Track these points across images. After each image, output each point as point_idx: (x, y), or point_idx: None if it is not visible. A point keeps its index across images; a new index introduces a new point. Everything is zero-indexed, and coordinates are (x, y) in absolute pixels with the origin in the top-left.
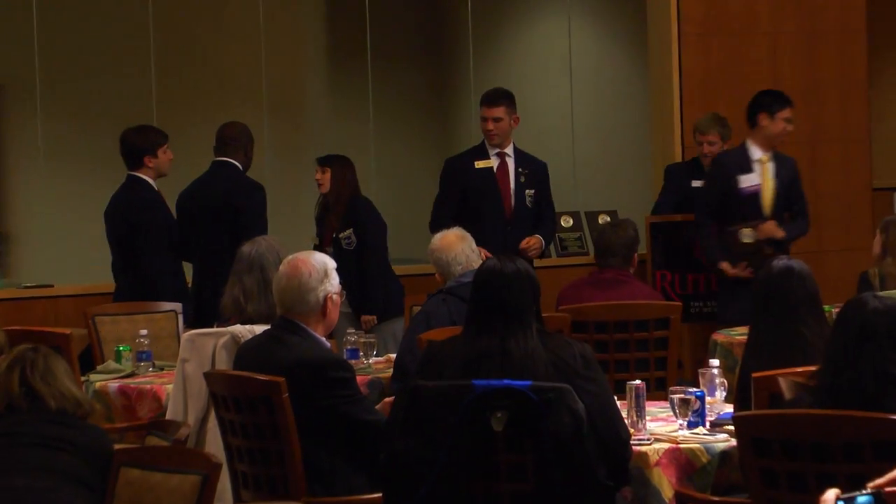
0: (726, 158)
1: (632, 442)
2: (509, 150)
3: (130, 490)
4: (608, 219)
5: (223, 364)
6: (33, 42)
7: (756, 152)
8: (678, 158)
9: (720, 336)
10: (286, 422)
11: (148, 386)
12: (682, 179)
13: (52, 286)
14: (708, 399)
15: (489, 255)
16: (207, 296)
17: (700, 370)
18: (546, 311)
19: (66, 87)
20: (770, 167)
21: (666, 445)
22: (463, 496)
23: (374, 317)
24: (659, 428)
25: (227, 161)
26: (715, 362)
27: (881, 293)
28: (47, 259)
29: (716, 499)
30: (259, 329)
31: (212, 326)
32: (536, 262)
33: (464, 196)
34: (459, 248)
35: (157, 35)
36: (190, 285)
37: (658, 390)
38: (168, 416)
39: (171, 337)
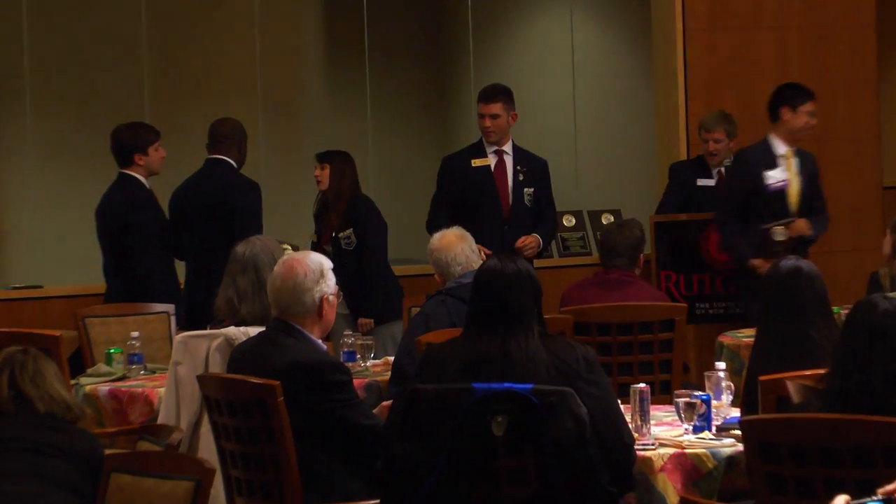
0: (750, 154)
1: (636, 447)
2: (507, 147)
3: (121, 496)
4: (611, 218)
5: (217, 367)
6: (23, 36)
7: (780, 147)
8: (683, 156)
9: (726, 338)
10: (281, 426)
11: (139, 389)
12: (688, 178)
13: (41, 287)
14: (714, 403)
15: (490, 254)
16: (200, 297)
17: (706, 373)
18: (548, 312)
19: (58, 82)
20: (794, 162)
21: (671, 450)
22: (463, 502)
23: (372, 320)
24: (664, 432)
25: (220, 159)
26: (721, 365)
27: (891, 294)
28: (36, 259)
29: None
30: (253, 331)
31: (205, 328)
32: (538, 263)
33: (461, 195)
34: (459, 247)
35: (149, 29)
36: (182, 286)
37: (663, 394)
38: (160, 421)
39: (164, 339)
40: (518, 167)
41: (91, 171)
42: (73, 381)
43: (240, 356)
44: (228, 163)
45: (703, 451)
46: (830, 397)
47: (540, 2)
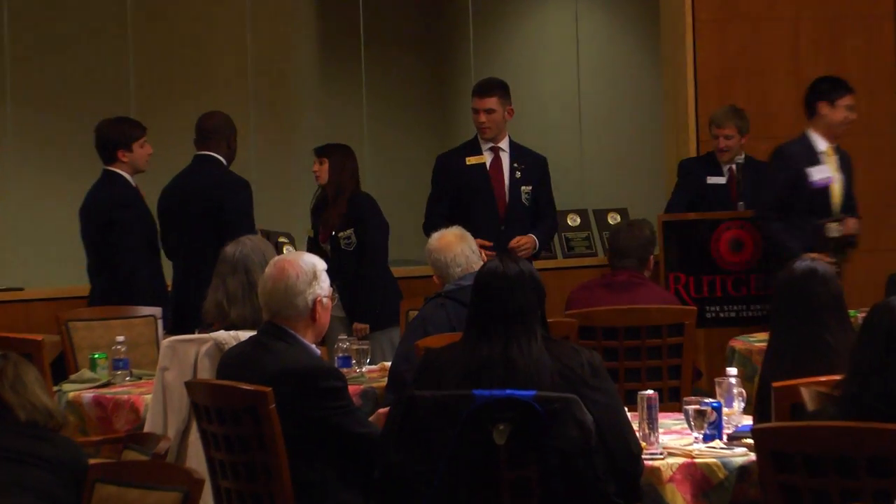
0: (792, 149)
1: (643, 456)
2: (504, 143)
3: None
4: (618, 217)
5: (206, 373)
6: (3, 29)
7: (820, 143)
8: (693, 153)
9: (738, 343)
10: (273, 434)
11: (125, 396)
12: (697, 175)
13: (22, 289)
14: (725, 410)
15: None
16: (189, 300)
17: (717, 379)
18: (553, 315)
19: (40, 76)
20: (835, 159)
21: (680, 460)
22: None
23: (367, 326)
24: (672, 441)
25: (208, 155)
26: (732, 371)
27: None
28: (17, 260)
29: None
30: (244, 335)
31: (193, 332)
32: (541, 264)
33: (456, 194)
34: (459, 248)
35: (135, 18)
36: (170, 288)
37: (672, 401)
38: (146, 429)
39: (150, 344)
40: (515, 164)
41: (75, 168)
42: (55, 388)
43: (230, 361)
44: (217, 159)
45: (714, 460)
46: (846, 404)
47: None
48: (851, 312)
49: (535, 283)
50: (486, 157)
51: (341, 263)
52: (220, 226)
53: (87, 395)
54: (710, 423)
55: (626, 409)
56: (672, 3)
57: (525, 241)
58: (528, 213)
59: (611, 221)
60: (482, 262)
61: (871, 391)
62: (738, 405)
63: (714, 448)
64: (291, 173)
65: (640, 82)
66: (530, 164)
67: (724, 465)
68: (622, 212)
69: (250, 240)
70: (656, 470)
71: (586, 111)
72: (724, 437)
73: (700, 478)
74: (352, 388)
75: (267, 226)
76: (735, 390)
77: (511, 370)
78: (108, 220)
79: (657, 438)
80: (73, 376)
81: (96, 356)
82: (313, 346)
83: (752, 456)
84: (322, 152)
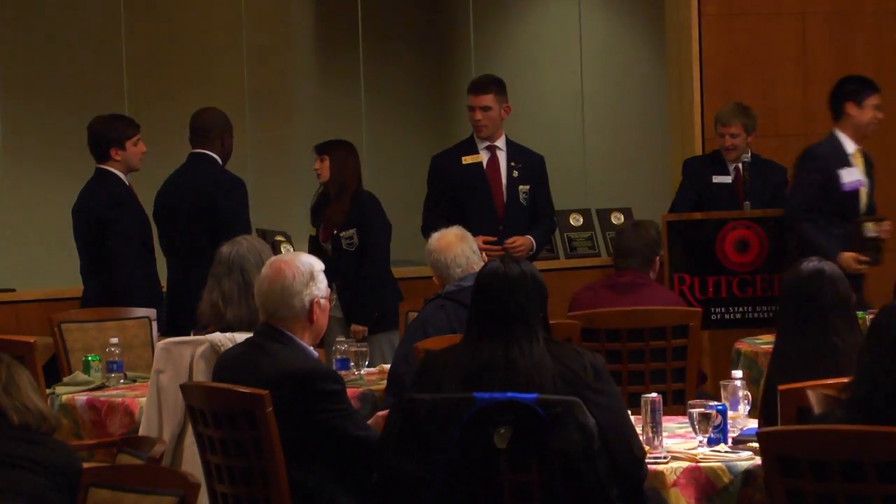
0: (822, 150)
1: (647, 460)
2: (500, 142)
3: None
4: (621, 217)
5: (201, 375)
6: None
7: (849, 145)
8: (698, 151)
9: (744, 345)
10: (270, 438)
11: (119, 399)
12: (703, 175)
13: (13, 290)
14: (730, 413)
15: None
16: (184, 301)
17: (722, 382)
18: (555, 317)
19: (31, 72)
20: (862, 162)
21: (684, 464)
22: None
23: (366, 328)
24: (676, 445)
25: (202, 153)
26: (738, 373)
27: None
28: (8, 261)
29: None
30: (240, 337)
31: (188, 334)
32: (543, 265)
33: (452, 194)
34: (459, 248)
35: (129, 13)
36: (165, 289)
37: (675, 404)
38: (141, 432)
39: (145, 346)
40: (512, 163)
41: (67, 167)
42: (48, 391)
43: (226, 364)
44: (211, 157)
45: (719, 464)
46: (854, 407)
47: None
48: (859, 314)
49: (536, 284)
50: (483, 157)
51: (342, 263)
52: (214, 225)
53: (81, 397)
54: (715, 427)
55: (629, 412)
56: None
57: (520, 243)
58: (527, 212)
59: (614, 221)
60: (483, 263)
61: (880, 394)
62: (744, 408)
63: (719, 452)
64: (288, 170)
65: (644, 79)
66: (527, 162)
67: (729, 469)
68: (626, 211)
69: (246, 240)
70: (660, 474)
71: (589, 108)
72: (729, 441)
73: (704, 482)
74: (350, 391)
75: (264, 224)
76: (740, 393)
77: (512, 372)
78: (102, 220)
79: (661, 442)
80: (66, 379)
81: (90, 358)
82: (311, 348)
83: (758, 460)
84: (323, 149)
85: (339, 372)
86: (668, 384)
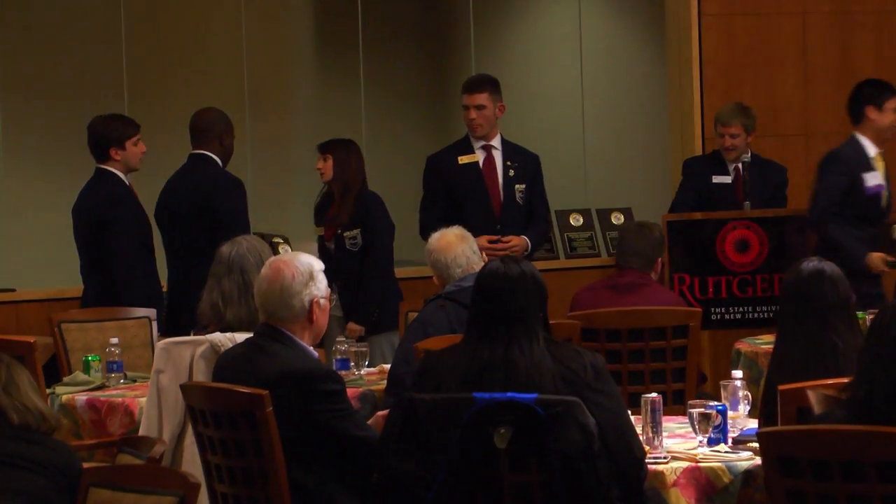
0: (847, 154)
1: (647, 460)
2: (496, 141)
3: None
4: (621, 217)
5: (201, 375)
6: None
7: (871, 149)
8: (698, 151)
9: (744, 345)
10: (270, 438)
11: (119, 399)
12: (703, 175)
13: (13, 290)
14: (730, 413)
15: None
16: (184, 301)
17: (722, 382)
18: (555, 317)
19: (30, 71)
20: (882, 165)
21: (684, 464)
22: None
23: (362, 329)
24: (677, 445)
25: (202, 154)
26: (738, 373)
27: None
28: (8, 261)
29: None
30: (240, 337)
31: (188, 334)
32: (543, 265)
33: (450, 195)
34: (459, 248)
35: (128, 17)
36: (165, 289)
37: (675, 404)
38: (141, 432)
39: (145, 346)
40: (508, 163)
41: (67, 167)
42: (48, 391)
43: (226, 364)
44: (210, 158)
45: (719, 464)
46: (854, 407)
47: None
48: (860, 315)
49: (537, 285)
50: (479, 156)
51: (345, 263)
52: (213, 226)
53: (81, 397)
54: (715, 427)
55: (629, 412)
56: None
57: (515, 242)
58: (523, 212)
59: (614, 221)
60: (483, 263)
61: (880, 394)
62: (744, 408)
63: (719, 452)
64: (289, 169)
65: (644, 79)
66: (523, 162)
67: (729, 469)
68: (626, 211)
69: (246, 240)
70: (660, 474)
71: (589, 108)
72: (729, 441)
73: (704, 482)
74: (350, 391)
75: (264, 222)
76: (740, 393)
77: (512, 373)
78: (102, 220)
79: (661, 442)
80: (66, 378)
81: (90, 358)
82: (311, 348)
83: (758, 460)
84: (325, 148)
85: (339, 372)
86: (668, 384)
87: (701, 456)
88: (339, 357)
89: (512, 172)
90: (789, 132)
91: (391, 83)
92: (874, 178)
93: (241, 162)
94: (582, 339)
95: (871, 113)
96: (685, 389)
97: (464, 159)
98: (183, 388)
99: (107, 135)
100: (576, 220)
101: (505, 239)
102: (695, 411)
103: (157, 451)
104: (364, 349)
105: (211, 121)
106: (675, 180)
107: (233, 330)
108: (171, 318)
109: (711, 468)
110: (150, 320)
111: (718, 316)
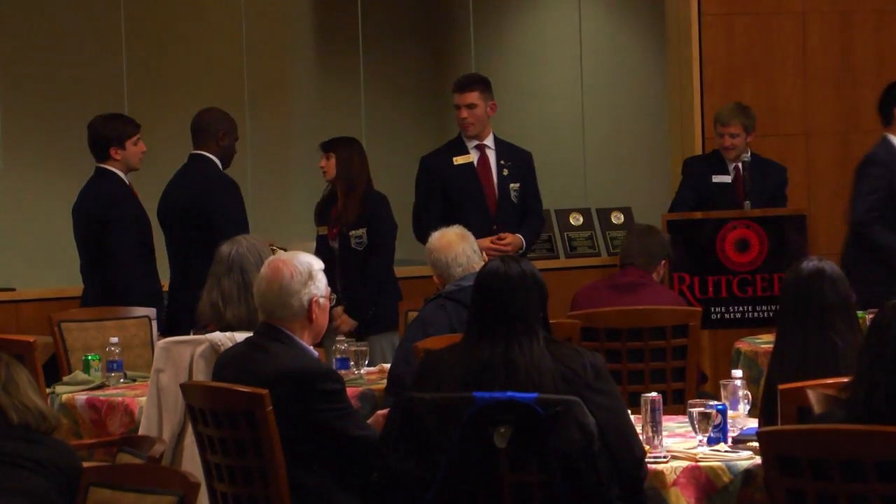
0: (883, 157)
1: (647, 460)
2: (489, 140)
3: None
4: (621, 216)
5: (201, 375)
6: None
7: None
8: (698, 151)
9: (744, 345)
10: (269, 438)
11: (119, 398)
12: (702, 174)
13: (13, 290)
14: (730, 413)
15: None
16: (184, 300)
17: (722, 382)
18: (555, 316)
19: (30, 71)
20: None
21: (684, 463)
22: None
23: (355, 323)
24: (676, 444)
25: (200, 154)
26: (738, 373)
27: None
28: (8, 260)
29: None
30: (240, 336)
31: (188, 333)
32: (543, 264)
33: (445, 195)
34: (460, 248)
35: (128, 16)
36: (166, 289)
37: (675, 403)
38: (141, 432)
39: (144, 345)
40: (502, 161)
41: (67, 166)
42: (48, 390)
43: (226, 363)
44: (207, 158)
45: (719, 464)
46: (854, 407)
47: None
48: (860, 314)
49: (537, 284)
50: (473, 156)
51: (348, 262)
52: (210, 226)
53: (81, 397)
54: (715, 426)
55: (629, 411)
56: None
57: (510, 240)
58: (518, 210)
59: (614, 221)
60: (483, 262)
61: (880, 393)
62: (744, 408)
63: (719, 451)
64: (289, 167)
65: (644, 78)
66: (516, 160)
67: (729, 468)
68: (626, 211)
69: (246, 239)
70: (660, 473)
71: (589, 107)
72: (729, 441)
73: (704, 481)
74: (350, 391)
75: (263, 221)
76: (740, 393)
77: (512, 372)
78: (102, 219)
79: (661, 441)
80: (66, 378)
81: (90, 358)
82: (311, 347)
83: (758, 459)
84: (328, 147)
85: (339, 371)
86: (668, 384)
87: (701, 455)
88: (339, 357)
89: (506, 171)
90: (789, 132)
91: (391, 81)
92: None
93: (240, 160)
94: (582, 339)
95: None
96: (685, 389)
97: (459, 160)
98: (183, 387)
99: (107, 134)
100: (576, 220)
101: (501, 235)
102: (695, 411)
103: (156, 450)
104: (364, 349)
105: (208, 121)
106: (675, 180)
107: (233, 329)
108: (171, 317)
109: (711, 468)
110: (149, 320)
111: (718, 315)
